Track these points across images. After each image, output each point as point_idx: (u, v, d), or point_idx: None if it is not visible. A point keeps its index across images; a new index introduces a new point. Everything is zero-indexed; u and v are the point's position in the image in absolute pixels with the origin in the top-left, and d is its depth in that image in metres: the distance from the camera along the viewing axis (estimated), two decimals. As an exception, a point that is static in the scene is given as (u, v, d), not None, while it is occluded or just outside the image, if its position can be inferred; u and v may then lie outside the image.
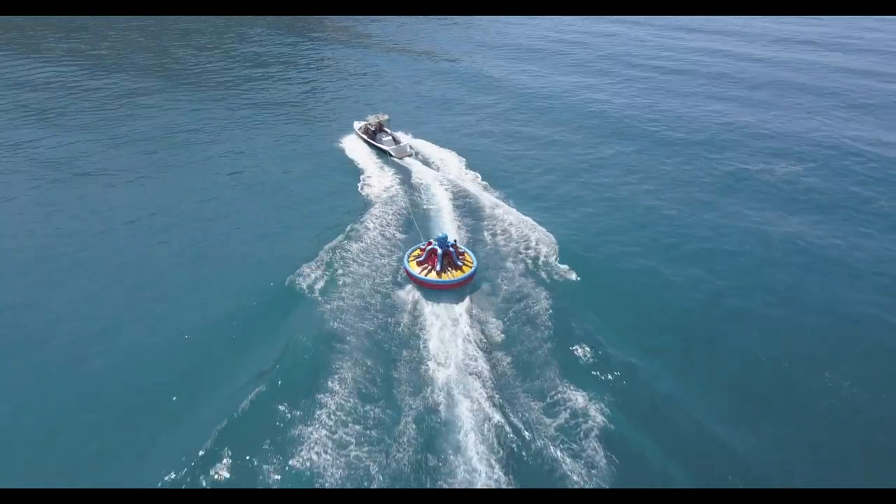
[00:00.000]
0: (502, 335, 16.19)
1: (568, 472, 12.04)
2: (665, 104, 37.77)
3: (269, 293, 17.85)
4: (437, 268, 17.86)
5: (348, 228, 20.97)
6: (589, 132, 32.88)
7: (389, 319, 16.66)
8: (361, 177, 26.68)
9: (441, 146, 30.35)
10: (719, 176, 27.14)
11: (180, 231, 22.14)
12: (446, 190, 25.23)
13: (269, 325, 16.56)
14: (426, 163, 28.52)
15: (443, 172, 27.19)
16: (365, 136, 30.96)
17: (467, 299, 17.60)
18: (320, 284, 17.79)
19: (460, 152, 29.29)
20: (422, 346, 15.73)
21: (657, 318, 17.21)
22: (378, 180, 26.22)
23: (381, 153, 29.46)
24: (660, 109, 36.84)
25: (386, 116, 31.95)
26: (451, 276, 17.80)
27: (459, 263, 18.31)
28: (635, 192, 25.58)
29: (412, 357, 15.31)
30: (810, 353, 15.85)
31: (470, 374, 14.62)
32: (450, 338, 15.84)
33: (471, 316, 16.89)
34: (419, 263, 18.37)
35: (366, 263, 19.21)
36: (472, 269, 18.25)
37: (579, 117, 35.42)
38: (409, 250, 19.56)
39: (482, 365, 14.93)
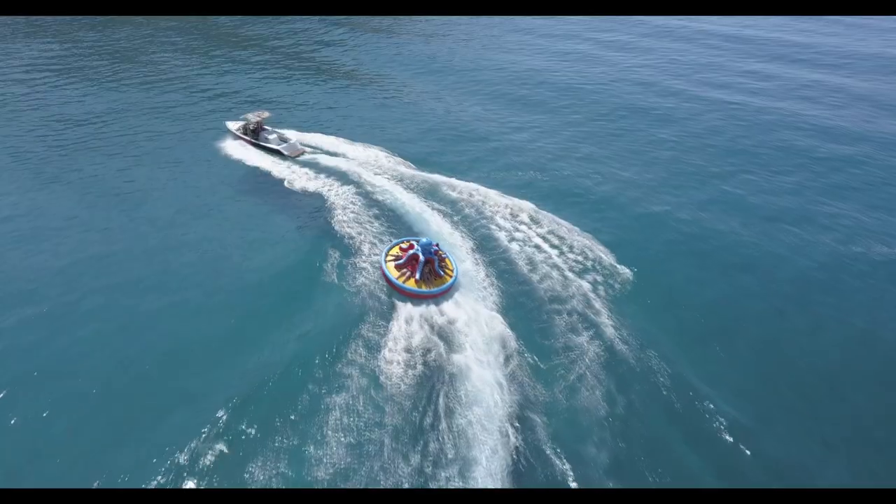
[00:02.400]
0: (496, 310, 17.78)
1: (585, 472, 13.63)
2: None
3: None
4: (417, 276, 17.39)
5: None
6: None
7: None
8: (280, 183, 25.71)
9: (335, 136, 30.11)
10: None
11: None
12: (381, 177, 25.89)
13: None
14: (330, 154, 27.95)
15: (355, 160, 27.17)
16: (246, 137, 29.24)
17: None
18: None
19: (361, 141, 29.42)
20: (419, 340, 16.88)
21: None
22: (300, 184, 25.67)
23: (271, 153, 28.06)
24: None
25: (266, 114, 30.32)
26: (432, 285, 17.29)
27: (441, 273, 17.71)
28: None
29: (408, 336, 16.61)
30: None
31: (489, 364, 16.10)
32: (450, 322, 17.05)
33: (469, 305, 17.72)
34: (398, 267, 17.76)
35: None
36: (453, 278, 17.69)
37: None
38: (387, 248, 18.93)
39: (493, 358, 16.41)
